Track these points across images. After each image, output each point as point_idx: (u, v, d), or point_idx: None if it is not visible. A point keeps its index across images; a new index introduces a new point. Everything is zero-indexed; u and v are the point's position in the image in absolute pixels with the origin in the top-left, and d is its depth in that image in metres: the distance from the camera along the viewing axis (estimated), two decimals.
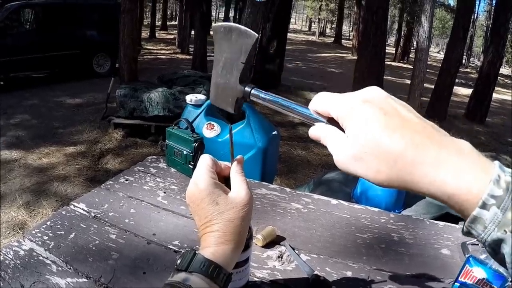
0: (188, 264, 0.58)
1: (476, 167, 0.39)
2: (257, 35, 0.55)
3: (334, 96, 0.48)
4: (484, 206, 0.37)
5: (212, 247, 0.60)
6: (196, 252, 0.59)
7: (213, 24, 0.59)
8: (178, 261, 0.59)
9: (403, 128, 0.42)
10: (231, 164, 0.68)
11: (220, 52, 0.60)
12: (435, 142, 0.41)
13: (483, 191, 0.37)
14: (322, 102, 0.49)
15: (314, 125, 0.51)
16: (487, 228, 0.38)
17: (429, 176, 0.40)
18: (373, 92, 0.46)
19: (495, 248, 0.38)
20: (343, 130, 0.46)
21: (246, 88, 0.58)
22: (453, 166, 0.39)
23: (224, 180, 0.68)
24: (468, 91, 11.89)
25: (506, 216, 0.37)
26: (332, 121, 0.49)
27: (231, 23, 0.58)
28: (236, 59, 0.58)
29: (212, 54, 0.61)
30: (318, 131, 0.50)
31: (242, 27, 0.56)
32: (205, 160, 0.66)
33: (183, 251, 1.02)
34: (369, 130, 0.42)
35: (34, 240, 1.05)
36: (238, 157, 0.69)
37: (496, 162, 0.39)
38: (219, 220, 0.60)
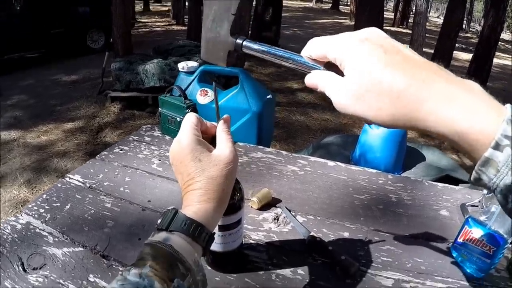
0: (169, 223, 0.56)
1: (487, 105, 0.37)
2: None
3: (330, 38, 0.46)
4: (497, 146, 0.35)
5: (194, 205, 0.58)
6: (178, 210, 0.58)
7: None
8: (159, 220, 0.58)
9: (405, 64, 0.40)
10: (217, 123, 0.66)
11: (209, 5, 0.58)
12: (442, 78, 0.39)
13: (496, 131, 0.35)
14: (318, 46, 0.47)
15: (309, 72, 0.49)
16: (499, 171, 0.35)
17: (437, 113, 0.37)
18: (372, 31, 0.44)
19: (507, 195, 0.36)
20: (341, 75, 0.44)
21: (238, 40, 0.56)
22: (462, 103, 0.37)
23: (210, 139, 0.66)
24: (468, 56, 11.76)
25: None
26: (328, 66, 0.47)
27: None
28: (226, 11, 0.56)
29: None
30: (315, 78, 0.48)
31: None
32: (189, 118, 0.64)
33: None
34: (369, 67, 0.40)
35: (30, 213, 1.05)
36: (225, 116, 0.67)
37: (508, 105, 0.37)
38: (201, 177, 0.59)
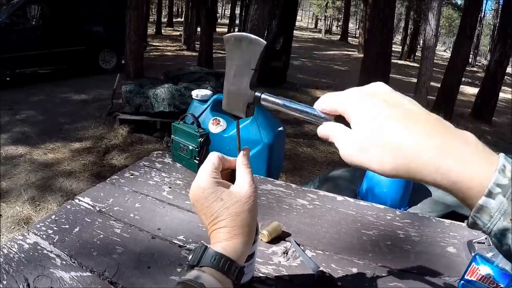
0: (200, 259, 0.58)
1: (480, 156, 0.40)
2: (265, 42, 0.58)
3: (339, 94, 0.49)
4: (489, 194, 0.37)
5: (223, 242, 0.60)
6: (208, 246, 0.59)
7: (225, 35, 0.61)
8: (190, 257, 0.59)
9: (406, 119, 0.43)
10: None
11: (231, 60, 0.62)
12: (439, 132, 0.42)
13: (488, 180, 0.38)
14: (329, 100, 0.50)
15: (322, 124, 0.53)
16: (492, 217, 0.38)
17: (433, 163, 0.40)
18: (377, 86, 0.48)
19: (500, 239, 0.38)
20: (349, 127, 0.47)
21: (257, 93, 0.60)
22: (457, 154, 0.40)
23: (232, 172, 0.67)
24: (474, 90, 11.82)
25: None
26: (339, 119, 0.50)
27: (242, 33, 0.60)
28: (247, 66, 0.60)
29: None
30: (326, 129, 0.51)
31: (252, 36, 0.58)
32: (210, 160, 0.66)
33: (188, 246, 1.02)
34: (373, 121, 0.44)
35: (38, 233, 1.04)
36: (244, 148, 0.68)
37: (501, 154, 0.40)
38: (225, 215, 0.60)
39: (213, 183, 0.62)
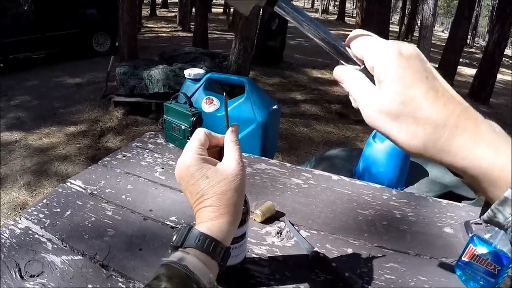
0: (184, 239, 0.55)
1: (509, 145, 0.38)
2: None
3: (374, 42, 0.44)
4: None
5: (208, 222, 0.57)
6: (192, 227, 0.57)
7: None
8: (174, 237, 0.57)
9: (444, 97, 0.40)
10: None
11: None
12: (473, 115, 0.40)
13: None
14: (361, 44, 0.45)
15: (342, 63, 0.47)
16: None
17: (467, 148, 0.38)
18: (415, 50, 0.43)
19: None
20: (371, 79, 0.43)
21: None
22: (489, 141, 0.38)
23: (220, 150, 0.65)
24: (472, 71, 11.76)
25: None
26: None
27: None
28: None
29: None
30: (346, 75, 0.46)
31: None
32: (196, 136, 0.63)
33: (179, 226, 1.01)
34: (413, 89, 0.40)
35: (30, 218, 1.03)
36: (233, 124, 0.66)
37: None
38: (211, 194, 0.58)
39: (198, 160, 0.59)
